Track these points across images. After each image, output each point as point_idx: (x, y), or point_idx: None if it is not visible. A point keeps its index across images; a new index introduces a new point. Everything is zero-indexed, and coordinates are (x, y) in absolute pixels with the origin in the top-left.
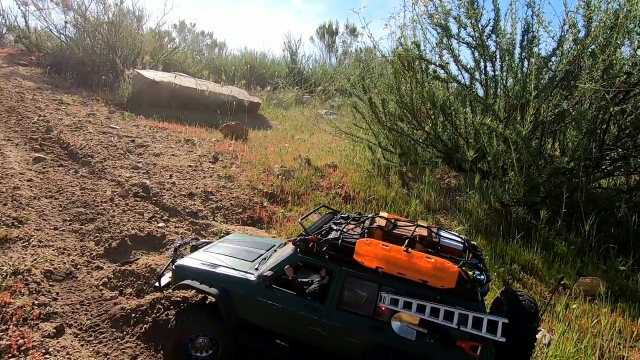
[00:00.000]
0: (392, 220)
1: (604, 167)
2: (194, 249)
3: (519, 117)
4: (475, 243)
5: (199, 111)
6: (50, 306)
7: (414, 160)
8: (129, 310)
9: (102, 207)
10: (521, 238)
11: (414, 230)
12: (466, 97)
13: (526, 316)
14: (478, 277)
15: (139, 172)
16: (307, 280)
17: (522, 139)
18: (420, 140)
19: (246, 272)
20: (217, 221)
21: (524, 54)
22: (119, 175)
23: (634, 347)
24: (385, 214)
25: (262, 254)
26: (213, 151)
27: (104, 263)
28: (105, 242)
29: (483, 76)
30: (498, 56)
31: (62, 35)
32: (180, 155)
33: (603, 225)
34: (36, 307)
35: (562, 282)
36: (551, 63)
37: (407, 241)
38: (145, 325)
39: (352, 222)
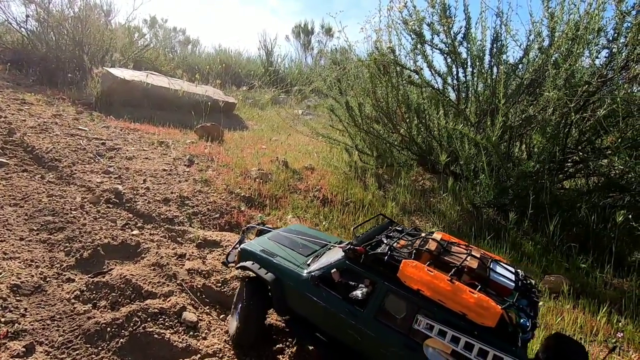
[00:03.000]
0: (445, 244)
1: (566, 169)
2: (260, 233)
3: (489, 122)
4: (533, 282)
5: (173, 111)
6: (19, 323)
7: (389, 163)
8: (104, 325)
9: (71, 215)
10: (491, 239)
11: (464, 259)
12: (439, 102)
13: None
14: (522, 322)
15: (111, 176)
16: (353, 284)
17: (491, 144)
18: (396, 143)
19: (298, 266)
20: (193, 227)
21: (493, 61)
22: (89, 181)
23: (593, 341)
24: (439, 235)
25: (315, 250)
26: (188, 154)
27: (76, 275)
28: (76, 253)
29: (455, 81)
30: (469, 62)
31: (23, 30)
32: (154, 158)
33: (566, 225)
34: (3, 325)
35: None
36: (518, 70)
37: (453, 271)
38: (121, 340)
39: (405, 237)
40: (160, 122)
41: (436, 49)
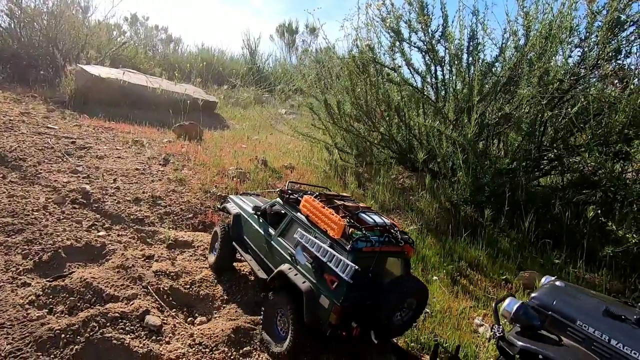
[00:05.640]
0: (341, 196)
1: (542, 167)
2: (244, 194)
3: (466, 120)
4: (399, 229)
5: (151, 110)
6: None
7: (369, 161)
8: (57, 331)
9: (33, 217)
10: (468, 236)
11: (345, 203)
12: (419, 100)
13: (393, 294)
14: (358, 236)
15: (79, 176)
16: (277, 219)
17: (467, 141)
18: (376, 141)
19: (252, 210)
20: (164, 227)
21: (470, 59)
22: (55, 181)
23: None
24: (345, 194)
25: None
26: (164, 153)
27: (32, 279)
28: (34, 255)
29: (433, 79)
30: (447, 60)
31: None
32: (127, 157)
33: (540, 222)
34: None
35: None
36: (495, 68)
37: (331, 205)
38: (76, 347)
39: (322, 196)
40: (137, 121)
41: (414, 47)
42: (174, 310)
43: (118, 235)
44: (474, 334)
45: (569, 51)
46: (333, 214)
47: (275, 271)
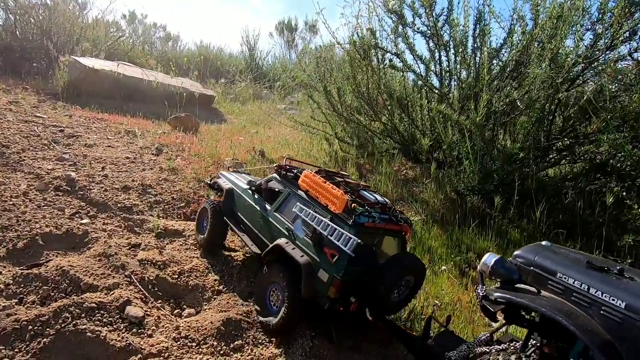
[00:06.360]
0: (340, 174)
1: (551, 156)
2: (235, 171)
3: (472, 107)
4: (392, 206)
5: (146, 103)
6: None
7: (371, 152)
8: (24, 322)
9: (11, 203)
10: (476, 226)
11: (345, 180)
12: (422, 88)
13: (392, 270)
14: (360, 211)
15: (65, 164)
16: (272, 194)
17: (475, 125)
18: (378, 131)
19: (245, 185)
20: (153, 216)
21: (476, 44)
22: (39, 168)
23: None
24: (344, 172)
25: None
26: (157, 143)
27: (4, 267)
28: (8, 242)
29: (438, 67)
30: (452, 45)
31: None
32: (117, 147)
33: (552, 212)
34: None
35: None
36: (502, 54)
37: (332, 180)
38: (45, 340)
39: (322, 172)
40: (132, 113)
41: (417, 32)
42: (160, 301)
43: (103, 223)
44: (488, 327)
45: (580, 34)
46: (335, 189)
47: (271, 245)
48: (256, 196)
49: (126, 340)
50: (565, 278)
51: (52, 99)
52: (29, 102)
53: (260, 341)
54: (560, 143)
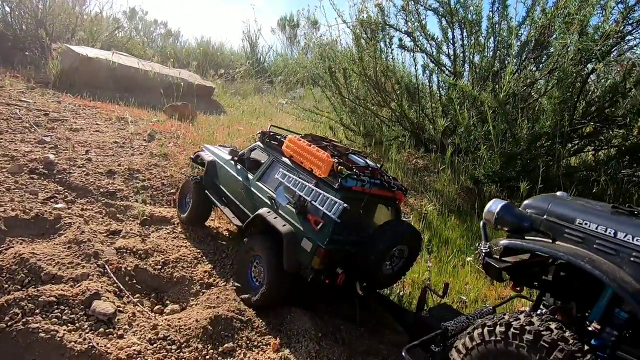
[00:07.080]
0: (329, 140)
1: (573, 145)
2: (221, 145)
3: (490, 88)
4: (385, 171)
5: (142, 93)
6: None
7: (378, 140)
8: None
9: None
10: None
11: (332, 143)
12: (433, 72)
13: (383, 238)
14: (347, 174)
15: (45, 146)
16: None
17: (499, 102)
18: (386, 118)
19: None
20: (139, 201)
21: (495, 18)
22: (15, 150)
23: None
24: (335, 140)
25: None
26: (150, 129)
27: None
28: None
29: (451, 46)
30: (469, 23)
31: None
32: (106, 132)
33: None
34: None
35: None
36: (521, 32)
37: (318, 144)
38: None
39: (308, 136)
40: (126, 102)
41: (430, 9)
42: (137, 295)
43: (81, 209)
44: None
45: (610, 7)
46: (320, 151)
47: (252, 215)
48: (239, 166)
49: (89, 343)
50: (586, 224)
51: (44, 87)
52: (16, 88)
53: (255, 343)
54: (584, 128)
